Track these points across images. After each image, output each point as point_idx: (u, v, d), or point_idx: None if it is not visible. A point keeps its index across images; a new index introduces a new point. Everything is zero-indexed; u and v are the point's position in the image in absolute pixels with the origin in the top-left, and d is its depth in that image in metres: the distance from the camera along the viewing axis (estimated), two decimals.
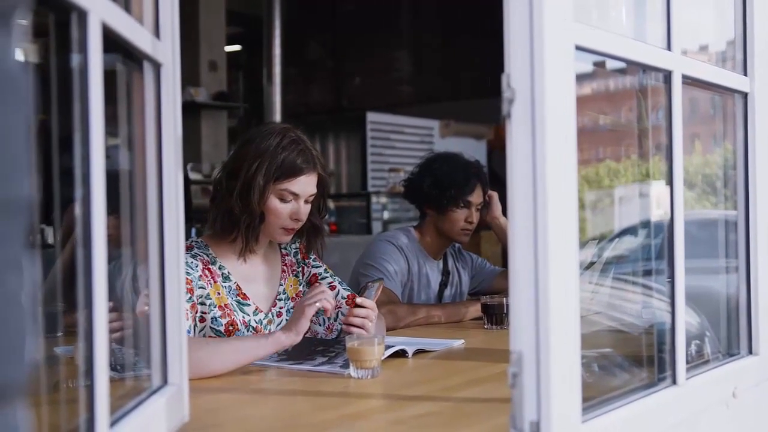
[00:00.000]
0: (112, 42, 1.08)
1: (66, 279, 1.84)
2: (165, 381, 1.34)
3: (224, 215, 2.17)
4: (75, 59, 0.98)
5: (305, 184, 2.17)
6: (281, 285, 2.31)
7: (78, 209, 0.99)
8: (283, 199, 2.16)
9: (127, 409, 1.17)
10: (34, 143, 0.56)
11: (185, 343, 1.39)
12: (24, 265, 0.54)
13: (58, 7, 0.96)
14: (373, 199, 7.47)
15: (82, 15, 0.97)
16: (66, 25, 0.98)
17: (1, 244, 0.51)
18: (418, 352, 2.13)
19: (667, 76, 1.48)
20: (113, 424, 1.07)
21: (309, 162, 2.16)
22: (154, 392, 1.30)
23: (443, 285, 3.08)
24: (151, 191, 1.33)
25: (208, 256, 2.18)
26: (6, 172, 0.51)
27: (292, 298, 2.32)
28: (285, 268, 2.34)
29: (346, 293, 2.33)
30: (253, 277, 2.26)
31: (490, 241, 6.82)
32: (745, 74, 1.76)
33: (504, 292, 2.87)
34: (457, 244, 3.13)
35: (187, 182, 5.19)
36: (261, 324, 2.22)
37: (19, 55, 0.55)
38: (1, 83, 0.50)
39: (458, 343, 2.29)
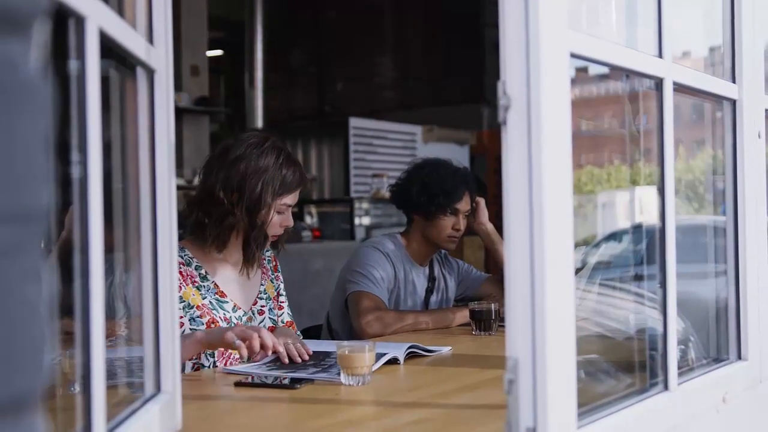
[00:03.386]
0: (106, 47, 1.08)
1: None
2: (158, 389, 1.33)
3: (227, 231, 2.23)
4: (72, 65, 0.97)
5: (297, 195, 2.30)
6: (262, 285, 2.39)
7: (75, 215, 0.98)
8: (280, 212, 2.26)
9: (121, 417, 1.16)
10: (52, 152, 0.55)
11: (178, 351, 1.38)
12: (41, 274, 0.53)
13: (55, 13, 0.95)
14: (356, 204, 7.46)
15: (80, 21, 0.96)
16: (62, 31, 0.97)
17: (21, 252, 0.51)
18: (410, 357, 2.13)
19: (659, 83, 1.49)
20: None
21: (303, 175, 2.30)
22: (148, 400, 1.29)
23: (429, 291, 3.07)
24: (144, 197, 1.32)
25: (182, 257, 2.22)
26: (26, 181, 0.50)
27: (273, 298, 2.41)
28: (264, 270, 2.42)
29: (287, 318, 2.41)
30: (233, 277, 2.31)
31: (473, 247, 6.83)
32: (734, 81, 1.78)
33: (490, 297, 2.87)
34: (443, 250, 3.13)
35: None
36: (241, 320, 2.28)
37: (38, 64, 0.55)
38: (21, 92, 0.50)
39: (446, 350, 2.30)
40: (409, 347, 2.14)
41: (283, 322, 2.37)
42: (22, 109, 0.51)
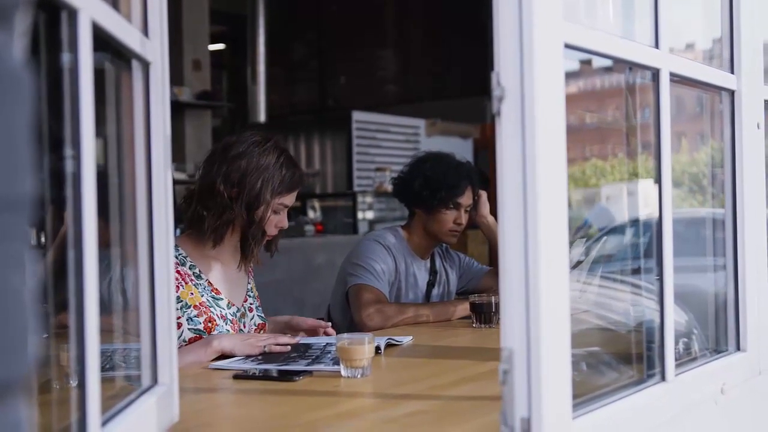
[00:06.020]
0: (100, 40, 1.08)
1: (52, 280, 1.84)
2: (155, 381, 1.34)
3: (225, 225, 2.24)
4: (65, 58, 0.98)
5: (294, 197, 2.32)
6: (249, 284, 2.42)
7: (68, 210, 0.98)
8: (276, 212, 2.27)
9: (117, 408, 1.17)
10: (35, 141, 0.56)
11: (175, 343, 1.38)
12: (26, 262, 0.54)
13: (47, 6, 0.95)
14: (359, 198, 7.46)
15: (73, 13, 0.96)
16: (55, 24, 0.97)
17: (4, 240, 0.51)
18: (389, 346, 2.18)
19: (655, 73, 1.49)
20: (104, 423, 1.06)
21: (302, 177, 2.32)
22: (144, 392, 1.30)
23: (431, 284, 3.08)
24: (140, 191, 1.32)
25: (176, 257, 2.22)
26: (10, 170, 0.51)
27: (257, 296, 2.45)
28: (250, 270, 2.45)
29: (258, 321, 2.41)
30: (224, 275, 2.33)
31: (476, 240, 6.83)
32: (732, 72, 1.77)
33: (491, 290, 2.87)
34: (444, 244, 3.13)
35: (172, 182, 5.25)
36: (236, 317, 2.30)
37: (20, 54, 0.55)
38: (3, 81, 0.50)
39: (407, 340, 2.32)
40: (388, 343, 2.18)
41: (255, 325, 2.38)
42: (3, 99, 0.51)
